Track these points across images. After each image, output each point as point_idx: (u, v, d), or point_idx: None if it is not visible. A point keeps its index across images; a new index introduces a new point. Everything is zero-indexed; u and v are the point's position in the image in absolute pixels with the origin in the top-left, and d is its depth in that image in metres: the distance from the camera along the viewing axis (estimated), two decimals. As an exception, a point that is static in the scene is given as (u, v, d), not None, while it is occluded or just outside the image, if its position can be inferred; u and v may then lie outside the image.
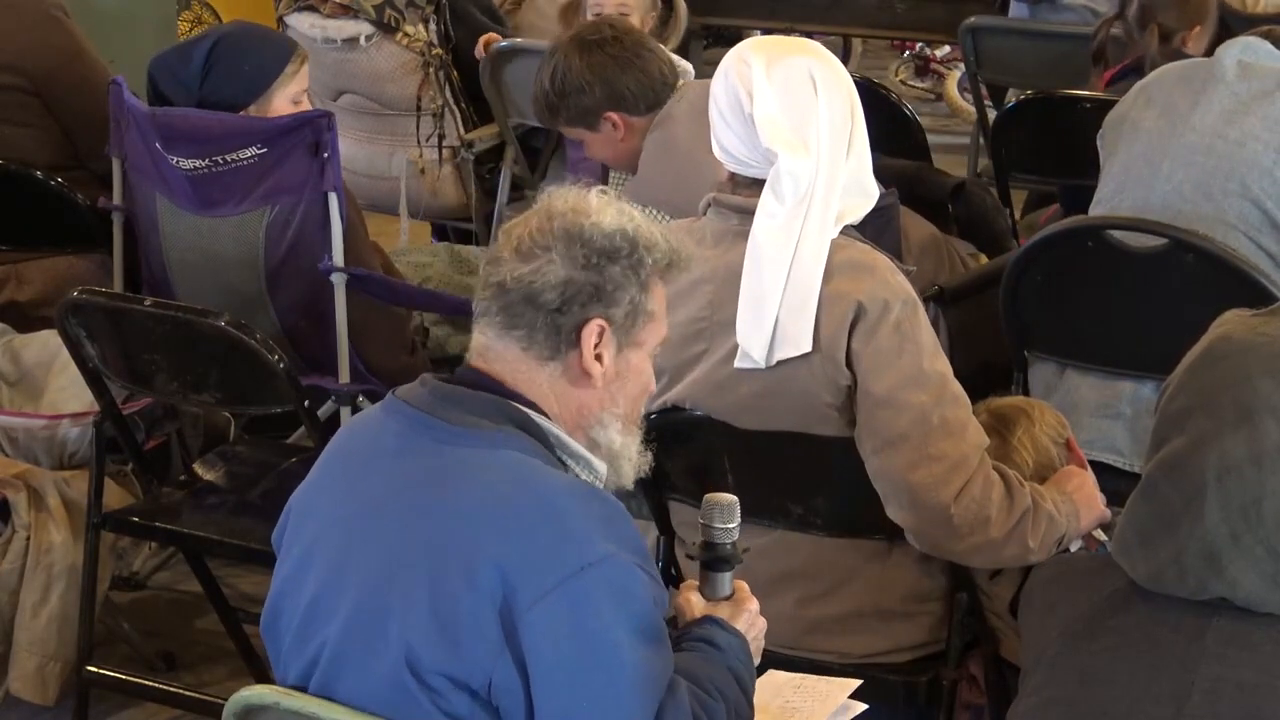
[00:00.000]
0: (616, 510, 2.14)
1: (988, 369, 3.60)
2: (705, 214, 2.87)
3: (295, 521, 2.25)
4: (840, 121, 2.76)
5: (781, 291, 2.70)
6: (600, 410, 2.23)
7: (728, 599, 2.35)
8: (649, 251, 2.23)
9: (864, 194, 2.81)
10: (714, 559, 2.34)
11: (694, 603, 2.34)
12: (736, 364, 2.75)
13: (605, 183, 4.17)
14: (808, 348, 2.70)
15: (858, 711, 2.42)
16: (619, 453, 2.26)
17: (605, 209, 2.22)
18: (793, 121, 2.74)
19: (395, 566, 2.08)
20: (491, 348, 2.21)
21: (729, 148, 2.80)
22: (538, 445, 2.17)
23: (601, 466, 2.25)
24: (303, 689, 2.16)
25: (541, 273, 2.18)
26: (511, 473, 2.11)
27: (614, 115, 3.68)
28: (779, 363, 2.72)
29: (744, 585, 2.38)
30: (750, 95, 2.76)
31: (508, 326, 2.19)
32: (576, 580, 2.03)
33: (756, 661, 2.35)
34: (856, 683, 2.49)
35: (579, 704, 2.03)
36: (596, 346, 2.19)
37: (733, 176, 2.82)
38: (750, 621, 2.34)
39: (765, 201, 2.74)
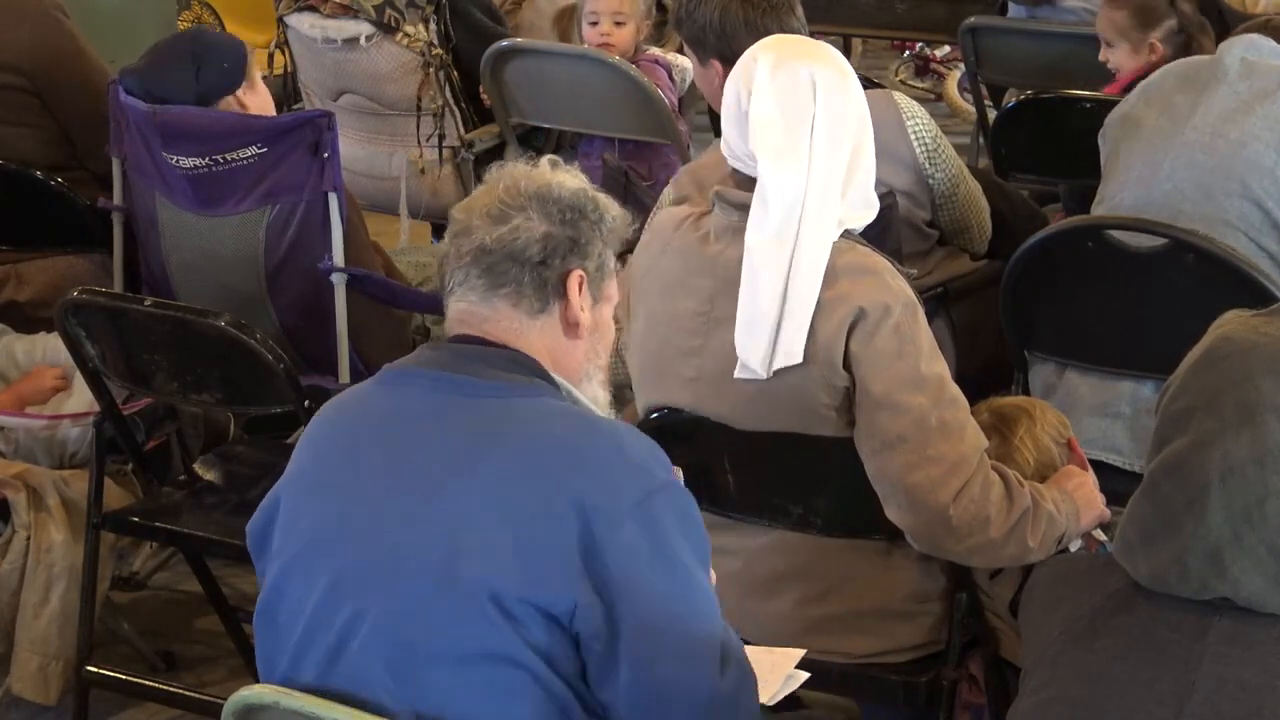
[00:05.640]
0: (658, 446, 2.22)
1: (994, 366, 3.60)
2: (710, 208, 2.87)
3: (291, 508, 2.24)
4: (842, 131, 2.75)
5: (779, 304, 2.70)
6: (586, 363, 2.30)
7: None
8: (607, 211, 2.31)
9: (867, 205, 2.82)
10: None
11: None
12: (736, 374, 2.75)
13: (604, 181, 4.16)
14: (799, 358, 2.70)
15: (800, 681, 2.48)
16: (600, 406, 2.32)
17: (561, 174, 2.30)
18: (787, 126, 2.73)
19: (463, 516, 2.10)
20: (477, 312, 2.24)
21: (730, 142, 2.80)
22: (558, 396, 2.23)
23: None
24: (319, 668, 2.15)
25: (521, 230, 2.23)
26: (565, 417, 2.19)
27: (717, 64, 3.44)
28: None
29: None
30: (750, 92, 2.76)
31: (493, 286, 2.23)
32: (647, 504, 2.11)
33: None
34: (801, 652, 2.52)
35: (661, 620, 2.09)
36: (580, 296, 2.25)
37: (734, 172, 2.82)
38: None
39: (754, 212, 2.73)
